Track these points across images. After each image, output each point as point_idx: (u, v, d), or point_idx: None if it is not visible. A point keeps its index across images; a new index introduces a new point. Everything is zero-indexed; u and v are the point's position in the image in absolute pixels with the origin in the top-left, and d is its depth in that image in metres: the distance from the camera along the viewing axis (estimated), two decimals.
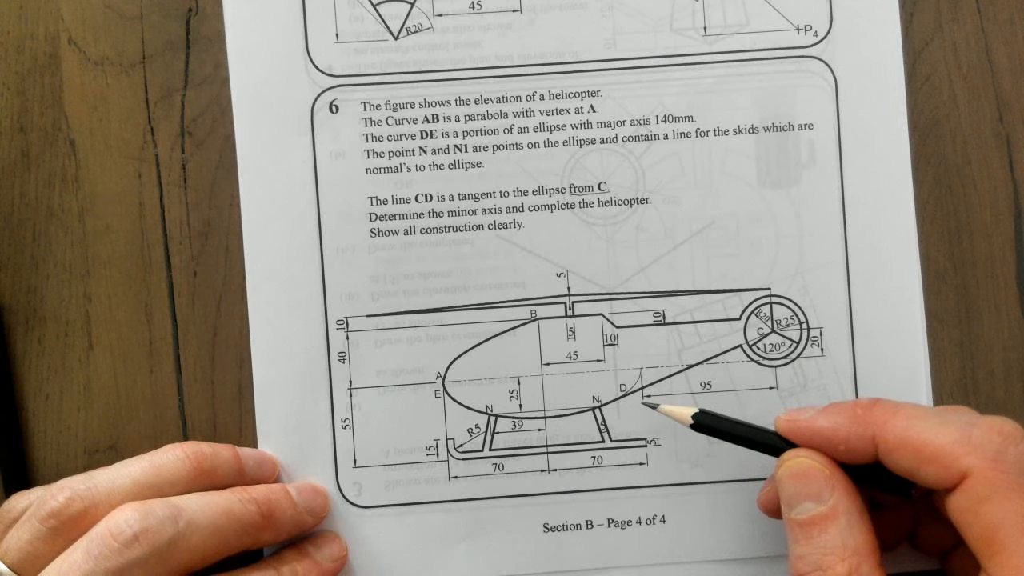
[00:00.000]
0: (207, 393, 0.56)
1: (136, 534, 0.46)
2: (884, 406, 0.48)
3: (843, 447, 0.47)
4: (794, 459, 0.48)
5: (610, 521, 0.56)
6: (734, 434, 0.51)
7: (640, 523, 0.56)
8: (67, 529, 0.48)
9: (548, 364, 0.55)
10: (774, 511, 0.51)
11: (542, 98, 0.55)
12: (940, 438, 0.45)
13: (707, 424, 0.51)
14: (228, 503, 0.50)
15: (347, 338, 0.55)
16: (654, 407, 0.53)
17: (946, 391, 0.56)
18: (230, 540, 0.50)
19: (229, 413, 0.56)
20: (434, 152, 0.55)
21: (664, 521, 0.56)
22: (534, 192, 0.55)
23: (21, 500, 0.51)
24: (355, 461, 0.55)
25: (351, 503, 0.55)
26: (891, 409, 0.47)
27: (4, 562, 0.48)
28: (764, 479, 0.55)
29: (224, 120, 0.56)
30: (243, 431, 0.56)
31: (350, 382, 0.55)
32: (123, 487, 0.49)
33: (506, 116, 0.55)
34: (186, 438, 0.56)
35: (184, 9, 0.56)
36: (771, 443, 0.50)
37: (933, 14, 0.56)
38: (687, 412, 0.51)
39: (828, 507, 0.46)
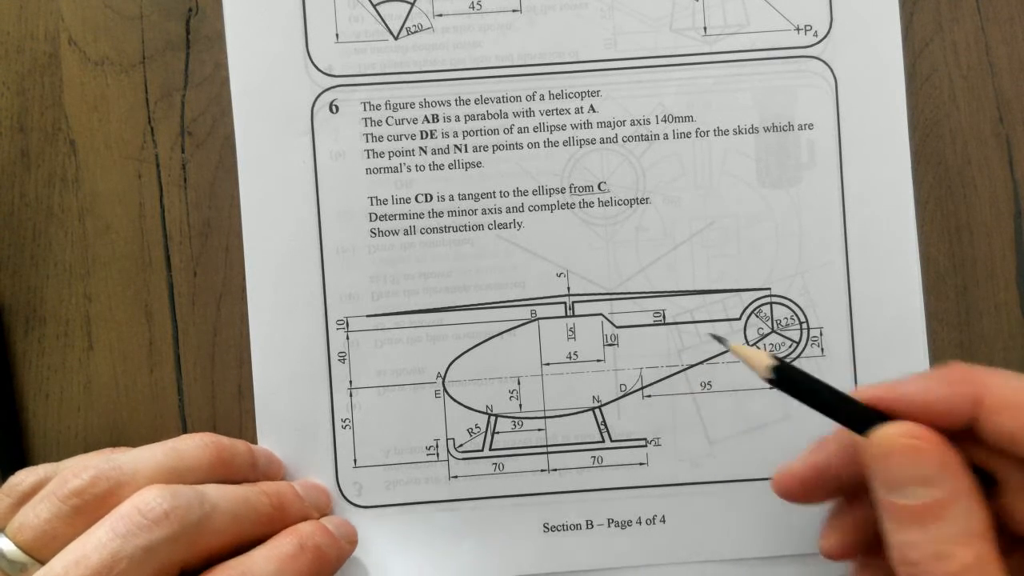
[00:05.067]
0: (207, 393, 0.56)
1: (166, 511, 0.45)
2: (978, 368, 0.44)
3: (941, 410, 0.43)
4: (899, 433, 0.43)
5: (610, 521, 0.56)
6: (817, 396, 0.45)
7: (640, 523, 0.56)
8: (90, 509, 0.47)
9: (548, 364, 0.55)
10: (799, 491, 0.48)
11: (542, 98, 0.55)
12: None
13: (788, 379, 0.46)
14: (245, 493, 0.50)
15: (347, 338, 0.55)
16: (722, 340, 0.48)
17: None
18: (248, 529, 0.50)
19: (229, 413, 0.56)
20: (434, 152, 0.55)
21: (664, 521, 0.56)
22: (534, 192, 0.55)
23: (28, 475, 0.50)
24: (355, 461, 0.55)
25: (351, 503, 0.55)
26: (987, 370, 0.44)
27: (18, 540, 0.46)
28: (764, 479, 0.54)
29: (224, 120, 0.56)
30: (243, 431, 0.56)
31: (350, 382, 0.55)
32: (146, 469, 0.49)
33: (506, 116, 0.55)
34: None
35: (184, 9, 0.56)
36: (858, 411, 0.45)
37: (933, 14, 0.56)
38: (764, 359, 0.46)
39: (946, 492, 0.42)
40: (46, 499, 0.47)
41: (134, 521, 0.45)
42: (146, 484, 0.48)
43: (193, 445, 0.51)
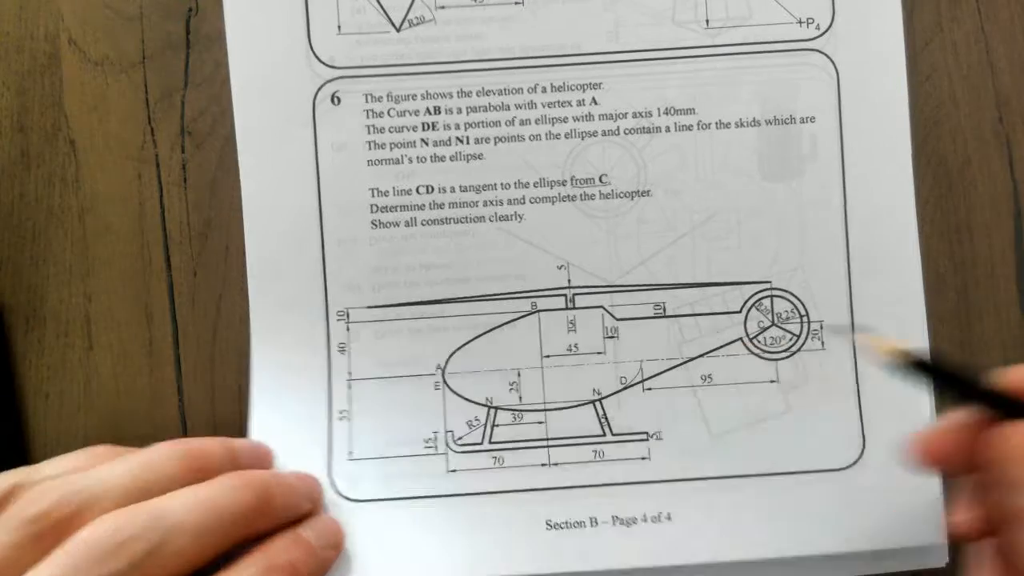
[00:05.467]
0: (207, 393, 0.56)
1: (116, 545, 0.43)
2: None
3: None
4: (1020, 442, 0.40)
5: (615, 519, 0.55)
6: (960, 384, 0.43)
7: (646, 520, 0.55)
8: (51, 536, 0.44)
9: (548, 356, 0.55)
10: (936, 459, 0.44)
11: (544, 90, 0.55)
12: None
13: (928, 367, 0.43)
14: (214, 499, 0.47)
15: (347, 329, 0.55)
16: (841, 331, 0.47)
17: None
18: (220, 537, 0.47)
19: (229, 413, 0.56)
20: (436, 144, 0.55)
21: (670, 519, 0.55)
22: (535, 184, 0.55)
23: (8, 478, 0.47)
24: (351, 453, 0.55)
25: (346, 497, 0.55)
26: None
27: None
28: (766, 475, 0.54)
29: (224, 120, 0.56)
30: (243, 431, 0.55)
31: (349, 373, 0.55)
32: (115, 489, 0.46)
33: (508, 108, 0.55)
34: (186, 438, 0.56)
35: (184, 9, 0.56)
36: (1002, 400, 0.42)
37: (933, 14, 0.57)
38: (895, 347, 0.43)
39: None
40: (5, 523, 0.45)
41: (81, 555, 0.43)
42: (112, 506, 0.45)
43: (164, 456, 0.48)
